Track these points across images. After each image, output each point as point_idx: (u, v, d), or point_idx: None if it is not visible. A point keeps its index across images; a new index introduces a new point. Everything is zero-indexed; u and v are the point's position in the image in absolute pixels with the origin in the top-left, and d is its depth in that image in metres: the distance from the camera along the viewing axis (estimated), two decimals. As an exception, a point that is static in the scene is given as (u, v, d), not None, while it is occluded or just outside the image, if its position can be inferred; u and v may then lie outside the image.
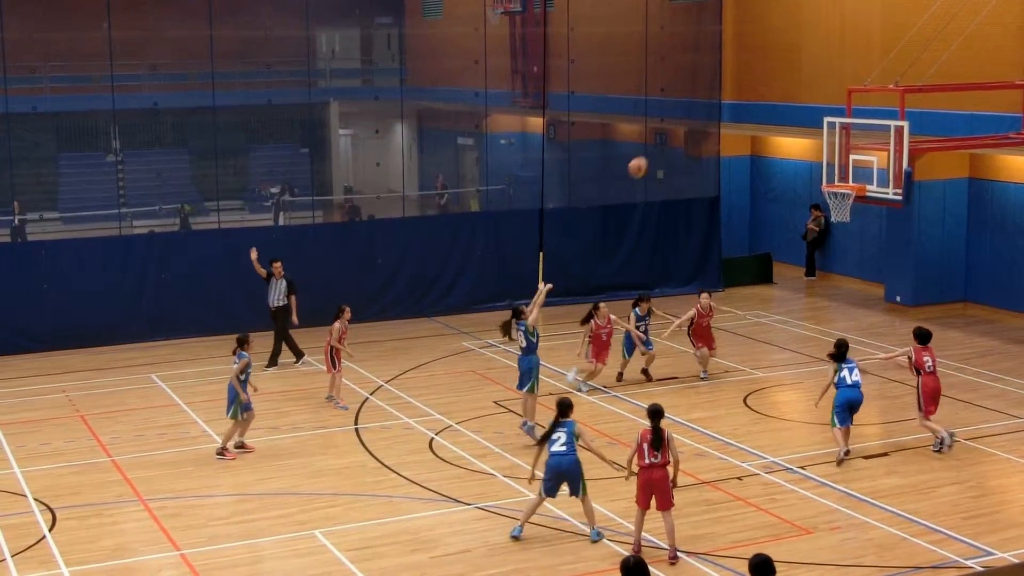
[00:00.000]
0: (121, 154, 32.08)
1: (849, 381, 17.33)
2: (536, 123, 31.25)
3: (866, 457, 17.60)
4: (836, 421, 17.36)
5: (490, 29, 30.08)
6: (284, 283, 22.79)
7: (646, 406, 14.67)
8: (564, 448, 14.46)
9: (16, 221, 28.20)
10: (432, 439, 18.73)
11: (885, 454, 17.76)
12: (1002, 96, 23.95)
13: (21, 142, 30.04)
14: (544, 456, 14.74)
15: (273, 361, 22.98)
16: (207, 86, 26.73)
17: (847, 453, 17.34)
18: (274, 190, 34.28)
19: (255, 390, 18.34)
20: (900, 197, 20.97)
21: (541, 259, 28.13)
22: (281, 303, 22.78)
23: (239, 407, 17.84)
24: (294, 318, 22.80)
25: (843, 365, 17.43)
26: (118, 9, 26.17)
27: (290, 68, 33.57)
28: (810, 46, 30.02)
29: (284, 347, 23.07)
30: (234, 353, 18.11)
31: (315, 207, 31.01)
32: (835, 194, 21.88)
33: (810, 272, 30.88)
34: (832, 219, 22.86)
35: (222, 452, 18.01)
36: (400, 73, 35.60)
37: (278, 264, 22.86)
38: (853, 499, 15.98)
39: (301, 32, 30.15)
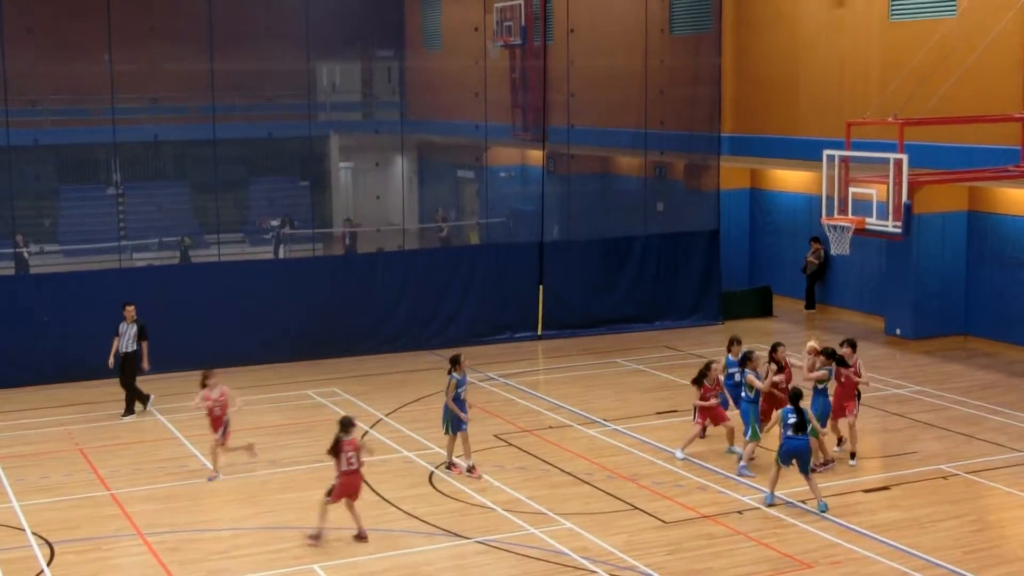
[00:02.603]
0: (122, 187, 32.14)
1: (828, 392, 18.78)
2: (536, 156, 31.30)
3: (866, 491, 17.56)
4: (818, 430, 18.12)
5: (490, 62, 30.18)
6: (135, 328, 22.12)
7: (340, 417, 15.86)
8: (800, 434, 16.61)
9: (26, 255, 28.21)
10: (432, 473, 18.67)
11: (886, 488, 17.72)
12: (1001, 129, 24.01)
13: (22, 174, 30.10)
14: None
15: (130, 409, 22.28)
16: (208, 119, 26.80)
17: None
18: (274, 223, 34.31)
19: (471, 406, 19.12)
20: (900, 230, 20.99)
21: (541, 292, 28.16)
22: (131, 348, 22.10)
23: (451, 423, 18.50)
24: (144, 363, 22.17)
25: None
26: (119, 42, 26.29)
27: (290, 101, 33.61)
28: (809, 79, 30.10)
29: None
30: (448, 374, 18.66)
31: (315, 240, 31.05)
32: (834, 227, 21.91)
33: (810, 305, 30.87)
34: (832, 252, 22.91)
35: (450, 466, 18.79)
36: (400, 106, 35.71)
37: (131, 308, 22.22)
38: (853, 533, 15.93)
39: (302, 65, 30.23)
